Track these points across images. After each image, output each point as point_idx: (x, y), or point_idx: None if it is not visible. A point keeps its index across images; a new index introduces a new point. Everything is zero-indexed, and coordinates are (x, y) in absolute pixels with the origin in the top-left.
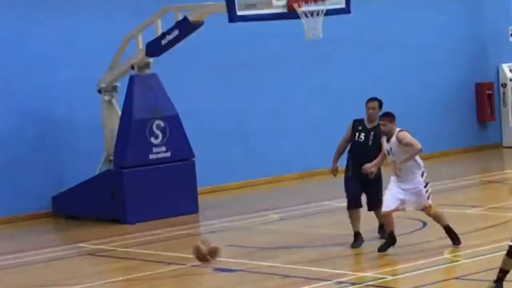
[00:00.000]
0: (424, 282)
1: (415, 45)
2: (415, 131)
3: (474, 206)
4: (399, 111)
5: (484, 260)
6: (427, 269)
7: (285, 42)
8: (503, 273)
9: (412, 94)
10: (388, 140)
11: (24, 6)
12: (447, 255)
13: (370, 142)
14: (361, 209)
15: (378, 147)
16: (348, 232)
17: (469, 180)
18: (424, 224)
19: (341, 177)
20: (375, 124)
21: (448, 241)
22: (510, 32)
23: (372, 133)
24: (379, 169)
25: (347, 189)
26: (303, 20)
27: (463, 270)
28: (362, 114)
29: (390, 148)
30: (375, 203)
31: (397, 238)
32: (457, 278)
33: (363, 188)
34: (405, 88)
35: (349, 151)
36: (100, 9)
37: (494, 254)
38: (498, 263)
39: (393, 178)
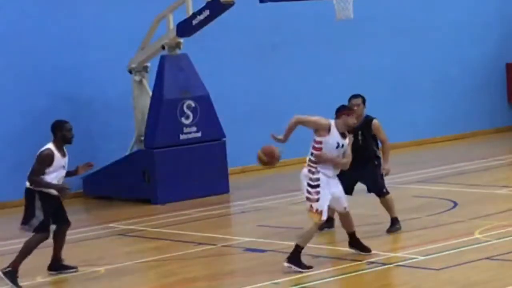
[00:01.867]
0: (455, 262)
1: (446, 24)
2: (446, 110)
3: (505, 186)
4: (431, 91)
5: None
6: (458, 249)
7: (315, 23)
8: None
9: (442, 74)
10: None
11: None
12: (478, 235)
13: (360, 142)
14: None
15: (369, 142)
16: (379, 212)
17: (500, 160)
18: (455, 204)
19: None
20: (361, 121)
21: (480, 221)
22: None
23: (360, 132)
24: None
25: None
26: (334, 0)
27: (494, 250)
28: (394, 94)
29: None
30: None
31: (428, 219)
32: (488, 258)
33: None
34: (435, 68)
35: None
36: None
37: None
38: None
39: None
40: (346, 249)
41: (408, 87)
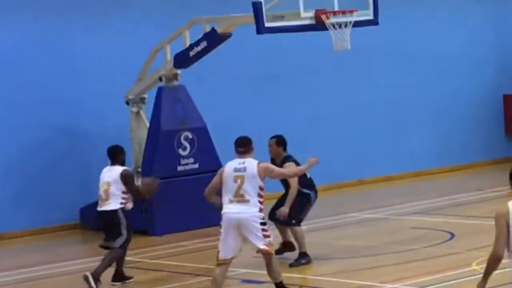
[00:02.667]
0: None
1: (442, 56)
2: (443, 141)
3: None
4: (427, 122)
5: None
6: (455, 281)
7: (313, 54)
8: None
9: (440, 106)
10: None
11: (52, 19)
12: (475, 267)
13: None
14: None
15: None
16: (376, 243)
17: (497, 192)
18: (452, 235)
19: (367, 189)
20: (280, 161)
21: (477, 252)
22: None
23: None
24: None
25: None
26: (331, 31)
27: (492, 282)
28: (391, 125)
29: None
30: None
31: (425, 250)
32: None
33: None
34: (432, 100)
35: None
36: (128, 21)
37: None
38: None
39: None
40: (344, 280)
41: (405, 118)
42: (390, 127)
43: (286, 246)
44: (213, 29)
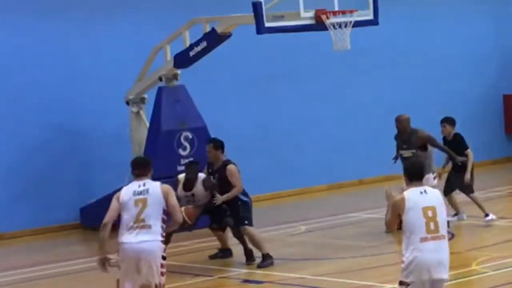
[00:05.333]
0: None
1: (443, 56)
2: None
3: (503, 218)
4: (428, 122)
5: None
6: (455, 281)
7: (313, 54)
8: None
9: (440, 105)
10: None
11: (51, 19)
12: (475, 267)
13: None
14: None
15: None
16: (377, 243)
17: (497, 192)
18: (452, 235)
19: (367, 189)
20: (219, 165)
21: (477, 252)
22: None
23: (217, 175)
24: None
25: None
26: (331, 31)
27: (492, 282)
28: (391, 125)
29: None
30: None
31: None
32: None
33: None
34: (433, 99)
35: None
36: (128, 21)
37: None
38: None
39: None
40: (344, 280)
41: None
42: (390, 127)
43: (222, 252)
44: (213, 29)
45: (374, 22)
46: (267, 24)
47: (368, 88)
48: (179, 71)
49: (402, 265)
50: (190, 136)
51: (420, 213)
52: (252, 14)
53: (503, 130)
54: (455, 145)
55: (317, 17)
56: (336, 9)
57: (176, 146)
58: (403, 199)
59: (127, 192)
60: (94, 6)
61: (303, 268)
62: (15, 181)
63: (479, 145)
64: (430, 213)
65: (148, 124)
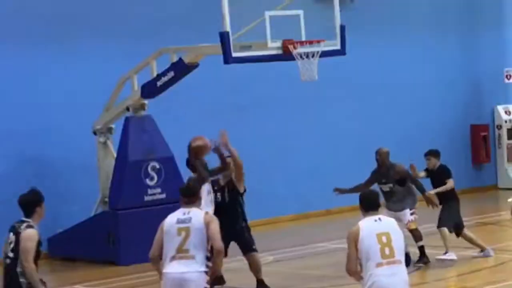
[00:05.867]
0: None
1: (410, 86)
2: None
3: (470, 248)
4: (395, 151)
5: None
6: None
7: (280, 84)
8: None
9: (408, 135)
10: None
11: (18, 49)
12: None
13: (226, 199)
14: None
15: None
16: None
17: (465, 222)
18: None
19: (335, 219)
20: (229, 178)
21: (443, 283)
22: (505, 74)
23: (226, 188)
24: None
25: None
26: (299, 62)
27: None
28: (359, 156)
29: None
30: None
31: None
32: None
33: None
34: (400, 129)
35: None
36: (94, 51)
37: None
38: None
39: None
40: None
41: (372, 149)
42: (358, 158)
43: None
44: (180, 59)
45: (341, 52)
46: (234, 54)
47: (335, 118)
48: (146, 101)
49: None
50: (158, 166)
51: (375, 239)
52: (220, 44)
53: (470, 160)
54: (439, 176)
55: (285, 47)
56: (304, 39)
57: (144, 176)
58: (357, 229)
59: (171, 220)
60: (61, 37)
61: None
62: None
63: None
64: (384, 239)
65: (115, 154)
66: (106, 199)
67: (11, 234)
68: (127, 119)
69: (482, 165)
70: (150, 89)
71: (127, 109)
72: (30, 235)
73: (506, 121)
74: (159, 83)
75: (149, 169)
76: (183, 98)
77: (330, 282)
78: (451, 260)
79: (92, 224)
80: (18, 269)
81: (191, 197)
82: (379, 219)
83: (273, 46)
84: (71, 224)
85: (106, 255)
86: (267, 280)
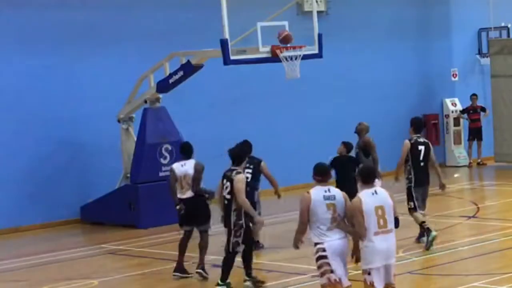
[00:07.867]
0: None
1: (374, 83)
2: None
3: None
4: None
5: (432, 258)
6: None
7: (268, 81)
8: None
9: (373, 123)
10: None
11: (59, 51)
12: (401, 254)
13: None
14: None
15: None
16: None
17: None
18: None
19: None
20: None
21: (403, 242)
22: (451, 73)
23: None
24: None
25: None
26: (284, 63)
27: (414, 266)
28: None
29: None
30: None
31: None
32: (409, 272)
33: None
34: (366, 118)
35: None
36: (119, 54)
37: (440, 253)
38: (444, 260)
39: None
40: (294, 265)
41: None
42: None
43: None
44: (188, 61)
45: (318, 55)
46: (232, 57)
47: (313, 107)
48: (160, 95)
49: (361, 255)
50: (170, 148)
51: (373, 212)
52: (220, 49)
53: None
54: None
55: (273, 52)
56: (288, 45)
57: (158, 156)
58: (360, 201)
59: (318, 196)
60: (93, 42)
61: (261, 255)
62: (27, 185)
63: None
64: (380, 212)
65: (135, 138)
66: (128, 175)
67: (225, 180)
68: (145, 110)
69: (434, 147)
70: (163, 86)
71: (145, 101)
72: (239, 179)
73: (452, 111)
74: (171, 81)
75: (163, 150)
76: (191, 92)
77: (308, 242)
78: None
79: (116, 195)
80: (233, 207)
81: (327, 175)
82: (375, 192)
83: (264, 51)
84: (100, 195)
85: (128, 220)
86: (262, 241)
